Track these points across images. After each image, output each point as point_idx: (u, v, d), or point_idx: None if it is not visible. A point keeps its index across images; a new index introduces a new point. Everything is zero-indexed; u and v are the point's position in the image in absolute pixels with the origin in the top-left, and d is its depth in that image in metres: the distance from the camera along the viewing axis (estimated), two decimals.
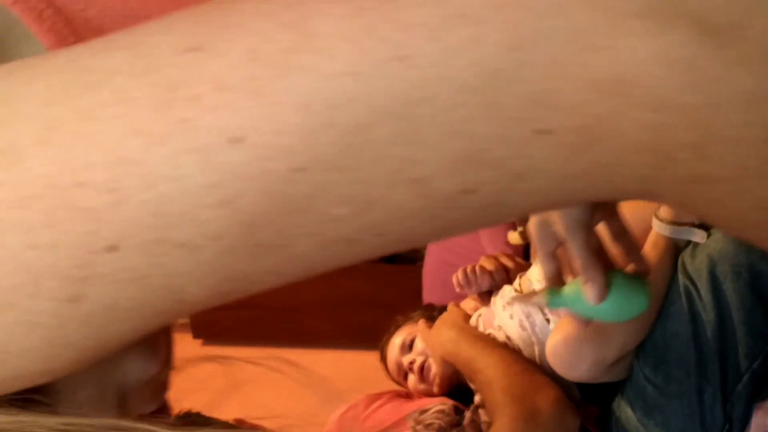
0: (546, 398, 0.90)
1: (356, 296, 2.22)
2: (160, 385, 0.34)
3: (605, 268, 0.56)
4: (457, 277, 1.13)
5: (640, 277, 0.58)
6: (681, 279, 0.87)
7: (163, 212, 0.19)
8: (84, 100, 0.19)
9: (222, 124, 0.18)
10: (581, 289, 0.55)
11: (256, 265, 0.20)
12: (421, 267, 2.06)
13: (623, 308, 0.55)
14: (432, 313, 1.22)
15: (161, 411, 0.35)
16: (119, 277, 0.20)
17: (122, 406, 0.30)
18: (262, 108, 0.18)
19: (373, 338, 1.31)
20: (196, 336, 2.26)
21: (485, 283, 1.12)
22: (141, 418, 0.32)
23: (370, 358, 1.37)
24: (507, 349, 1.00)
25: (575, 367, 0.87)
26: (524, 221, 1.87)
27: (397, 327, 1.25)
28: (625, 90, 0.17)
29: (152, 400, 0.33)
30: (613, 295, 0.54)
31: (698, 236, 0.87)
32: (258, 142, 0.18)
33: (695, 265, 0.85)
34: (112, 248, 0.19)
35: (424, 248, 2.15)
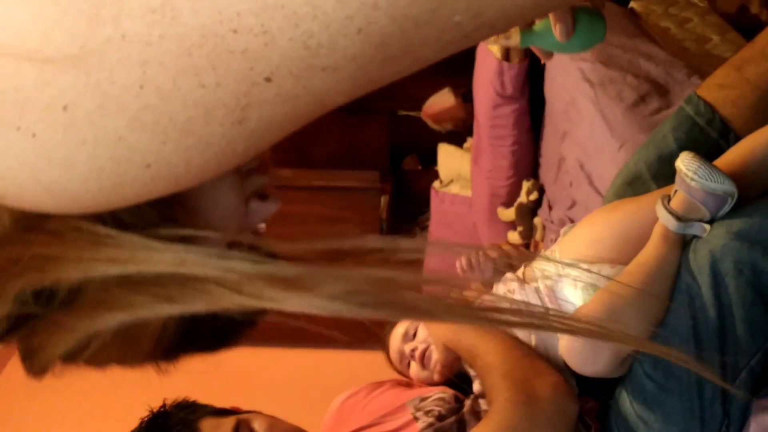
0: (545, 383, 0.90)
1: None
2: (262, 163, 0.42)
3: (571, 7, 0.63)
4: (461, 262, 1.14)
5: (597, 9, 0.66)
6: (682, 274, 0.87)
7: (309, 45, 0.23)
8: None
9: None
10: (550, 28, 0.63)
11: (385, 72, 0.25)
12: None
13: (586, 40, 0.64)
14: None
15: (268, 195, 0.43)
16: (275, 100, 0.24)
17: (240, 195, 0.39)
18: None
19: (373, 338, 1.31)
20: None
21: (488, 270, 1.13)
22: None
23: (370, 357, 1.38)
24: (506, 335, 1.00)
25: (593, 363, 0.87)
26: (524, 221, 1.88)
27: None
28: None
29: (261, 173, 0.41)
30: (578, 30, 0.63)
31: (701, 230, 0.87)
32: None
33: (697, 261, 0.85)
34: (268, 79, 0.23)
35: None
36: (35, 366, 0.35)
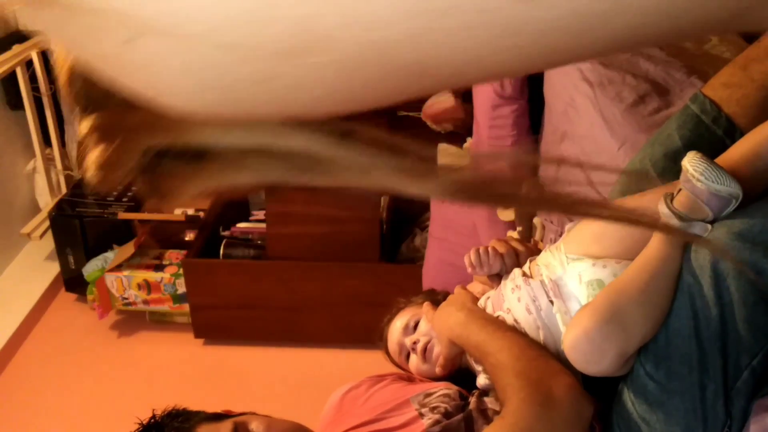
0: (562, 385, 0.88)
1: (356, 296, 2.21)
2: None
3: None
4: (470, 257, 1.13)
5: None
6: (684, 274, 0.86)
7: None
8: None
9: None
10: None
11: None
12: (421, 267, 2.06)
13: None
14: (436, 297, 1.22)
15: None
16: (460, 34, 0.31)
17: None
18: None
19: (373, 338, 1.31)
20: (197, 336, 2.26)
21: (496, 265, 1.12)
22: None
23: (370, 357, 1.37)
24: (518, 332, 0.99)
25: (597, 362, 0.86)
26: (523, 221, 1.87)
27: (399, 309, 1.25)
28: None
29: None
30: None
31: (702, 230, 0.86)
32: None
33: (698, 260, 0.85)
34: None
35: (424, 248, 2.14)
36: (162, 199, 0.41)
